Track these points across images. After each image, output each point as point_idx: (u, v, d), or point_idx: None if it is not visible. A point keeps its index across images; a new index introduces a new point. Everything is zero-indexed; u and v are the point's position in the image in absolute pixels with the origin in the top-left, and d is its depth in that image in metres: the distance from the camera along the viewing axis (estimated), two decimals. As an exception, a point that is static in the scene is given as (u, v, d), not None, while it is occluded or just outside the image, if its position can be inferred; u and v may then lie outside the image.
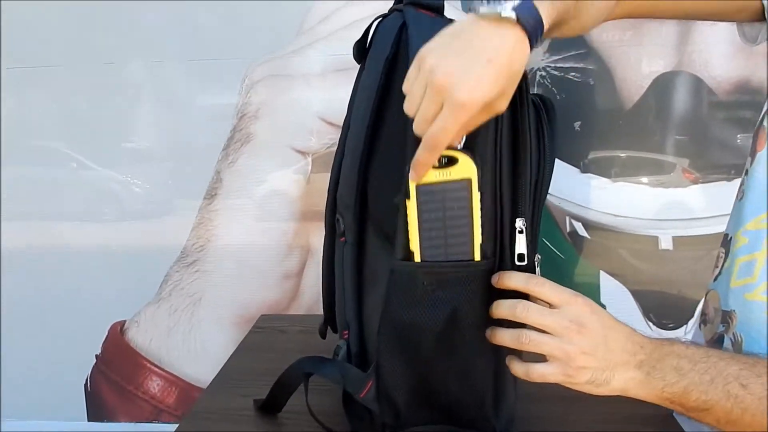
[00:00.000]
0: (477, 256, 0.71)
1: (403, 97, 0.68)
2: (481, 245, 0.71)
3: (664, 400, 0.69)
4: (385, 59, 0.75)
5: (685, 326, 1.63)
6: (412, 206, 0.68)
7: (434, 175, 0.68)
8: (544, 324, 0.70)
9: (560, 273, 1.64)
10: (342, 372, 0.82)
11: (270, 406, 0.86)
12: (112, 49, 1.65)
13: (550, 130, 0.77)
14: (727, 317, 0.80)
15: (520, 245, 0.73)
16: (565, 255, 1.63)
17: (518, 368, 0.73)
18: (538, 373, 0.71)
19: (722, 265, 0.83)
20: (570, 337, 0.69)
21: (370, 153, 0.76)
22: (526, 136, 0.73)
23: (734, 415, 0.65)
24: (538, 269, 0.76)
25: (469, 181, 0.69)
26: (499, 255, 0.73)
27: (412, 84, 0.66)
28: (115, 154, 1.70)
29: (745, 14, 0.85)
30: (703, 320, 0.86)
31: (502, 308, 0.72)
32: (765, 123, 0.80)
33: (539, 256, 0.76)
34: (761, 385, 0.64)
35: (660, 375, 0.68)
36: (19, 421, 1.80)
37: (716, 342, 0.81)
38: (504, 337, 0.72)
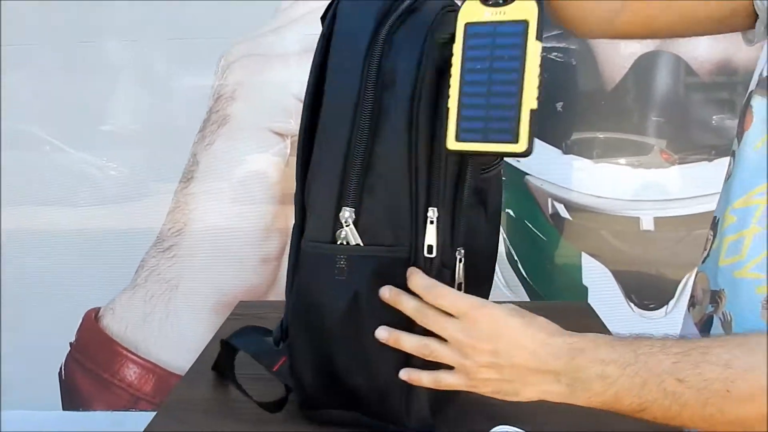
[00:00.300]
0: (523, 141, 0.60)
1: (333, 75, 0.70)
2: (529, 128, 0.58)
3: (592, 406, 0.65)
4: (321, 36, 0.74)
5: (666, 306, 1.64)
6: (456, 51, 0.58)
7: (486, 14, 0.58)
8: (442, 334, 0.68)
9: (542, 254, 1.63)
10: (257, 344, 0.83)
11: (219, 371, 0.88)
12: (87, 28, 1.61)
13: None
14: (716, 297, 0.78)
15: (429, 236, 0.71)
16: (547, 237, 1.62)
17: (426, 378, 0.70)
18: (445, 382, 0.69)
19: (710, 247, 0.81)
20: (466, 352, 0.66)
21: (311, 131, 0.75)
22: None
23: (673, 411, 0.61)
24: (460, 265, 0.73)
25: (526, 23, 0.57)
26: (414, 245, 0.71)
27: None
28: (91, 137, 1.66)
29: (737, 23, 0.83)
30: (692, 302, 0.85)
31: (403, 305, 0.70)
32: (752, 103, 0.79)
33: (462, 250, 0.73)
34: (698, 375, 0.60)
35: (583, 386, 0.63)
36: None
37: (705, 323, 0.79)
38: (406, 343, 0.69)
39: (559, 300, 1.64)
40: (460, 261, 0.73)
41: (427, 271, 0.71)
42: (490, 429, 0.74)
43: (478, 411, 0.82)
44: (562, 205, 1.61)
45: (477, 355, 0.66)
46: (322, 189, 0.73)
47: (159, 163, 1.66)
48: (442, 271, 0.72)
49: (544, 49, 1.41)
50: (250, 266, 1.67)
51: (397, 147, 0.70)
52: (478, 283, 0.84)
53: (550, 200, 1.61)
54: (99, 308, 1.72)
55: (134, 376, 1.72)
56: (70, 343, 1.74)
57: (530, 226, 1.61)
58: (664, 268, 1.62)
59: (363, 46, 0.70)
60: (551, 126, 1.57)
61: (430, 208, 0.70)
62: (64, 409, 1.76)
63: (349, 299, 0.72)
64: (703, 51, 1.52)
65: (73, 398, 1.76)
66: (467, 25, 0.58)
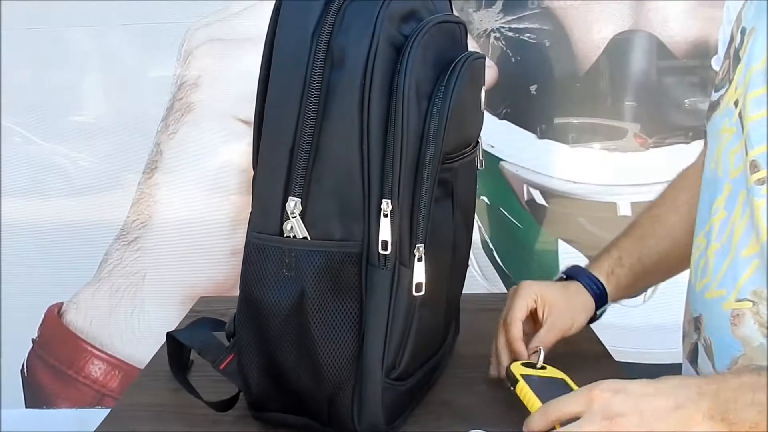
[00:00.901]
0: None
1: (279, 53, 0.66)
2: None
3: None
4: (274, 9, 0.69)
5: (644, 294, 1.61)
6: (523, 386, 0.71)
7: (533, 371, 0.74)
8: None
9: (518, 242, 1.60)
10: (204, 339, 0.78)
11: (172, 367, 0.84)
12: (46, 15, 1.55)
13: (445, 92, 0.68)
14: (697, 324, 0.76)
15: (384, 231, 0.65)
16: (522, 224, 1.59)
17: None
18: None
19: (690, 274, 0.80)
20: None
21: (261, 118, 0.69)
22: (400, 100, 0.64)
23: None
24: (419, 264, 0.67)
25: (563, 380, 0.73)
26: (367, 240, 0.66)
27: None
28: (62, 128, 1.62)
29: None
30: (683, 336, 0.82)
31: None
32: (707, 128, 0.78)
33: (422, 247, 0.67)
34: None
35: (737, 416, 0.57)
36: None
37: (692, 353, 0.77)
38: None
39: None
40: (420, 259, 0.67)
41: (381, 268, 0.66)
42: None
43: (446, 412, 0.78)
44: (538, 191, 1.57)
45: (621, 426, 0.59)
46: (268, 176, 0.68)
47: (130, 153, 1.62)
48: (399, 269, 0.67)
49: (516, 29, 1.40)
50: (219, 259, 1.63)
51: (347, 131, 0.65)
52: (451, 279, 0.80)
53: (525, 186, 1.57)
54: (62, 303, 1.68)
55: (99, 373, 1.68)
56: (33, 339, 1.69)
57: (505, 213, 1.58)
58: (642, 254, 1.59)
59: (312, 22, 0.65)
60: (525, 110, 1.53)
61: (384, 200, 0.65)
62: (27, 406, 1.72)
63: (295, 297, 0.66)
64: (678, 30, 1.49)
65: (36, 395, 1.72)
66: (523, 375, 0.72)
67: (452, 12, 0.78)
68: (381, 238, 0.65)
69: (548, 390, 0.68)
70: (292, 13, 0.67)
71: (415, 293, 0.68)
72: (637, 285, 0.91)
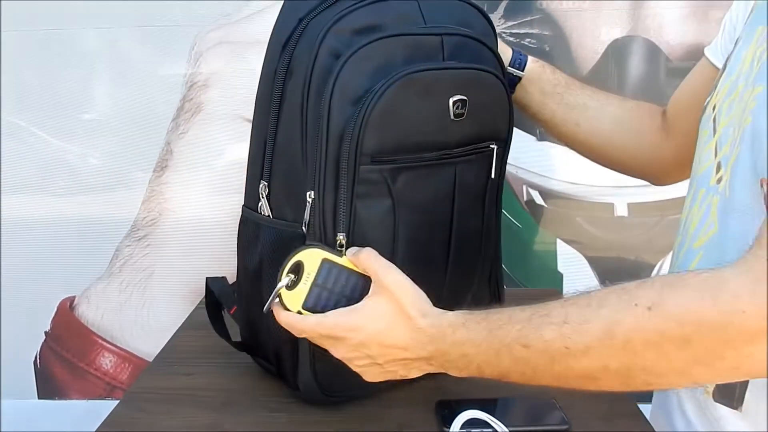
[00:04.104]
0: None
1: (264, 65, 0.83)
2: None
3: (463, 376, 0.71)
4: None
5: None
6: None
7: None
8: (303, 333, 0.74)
9: (517, 241, 1.63)
10: (222, 287, 0.92)
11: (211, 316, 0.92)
12: (59, 15, 1.59)
13: (366, 98, 0.73)
14: None
15: (306, 218, 0.76)
16: (522, 224, 1.62)
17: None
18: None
19: None
20: (347, 358, 0.73)
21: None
22: (326, 104, 0.74)
23: (528, 374, 0.66)
24: (348, 252, 0.74)
25: None
26: (306, 224, 0.77)
27: None
28: (71, 125, 1.65)
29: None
30: None
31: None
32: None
33: (342, 236, 0.75)
34: (539, 337, 0.63)
35: (450, 365, 0.70)
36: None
37: None
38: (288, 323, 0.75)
39: (533, 286, 1.64)
40: (345, 247, 0.75)
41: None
42: None
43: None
44: (537, 192, 1.61)
45: (356, 360, 0.72)
46: (251, 162, 0.83)
47: (139, 152, 1.65)
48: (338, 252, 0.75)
49: (517, 35, 1.43)
50: (226, 256, 1.64)
51: (293, 131, 0.77)
52: (448, 278, 0.84)
53: (524, 187, 1.60)
54: (74, 297, 1.71)
55: (110, 365, 1.71)
56: (45, 332, 1.72)
57: (505, 213, 1.60)
58: (639, 254, 1.62)
59: (284, 38, 0.77)
60: (525, 113, 1.56)
61: (308, 192, 0.75)
62: (39, 397, 1.75)
63: (257, 264, 0.82)
64: (674, 35, 1.52)
65: (48, 387, 1.75)
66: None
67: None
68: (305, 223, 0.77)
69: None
70: (276, 27, 0.80)
71: None
72: (562, 125, 1.05)
